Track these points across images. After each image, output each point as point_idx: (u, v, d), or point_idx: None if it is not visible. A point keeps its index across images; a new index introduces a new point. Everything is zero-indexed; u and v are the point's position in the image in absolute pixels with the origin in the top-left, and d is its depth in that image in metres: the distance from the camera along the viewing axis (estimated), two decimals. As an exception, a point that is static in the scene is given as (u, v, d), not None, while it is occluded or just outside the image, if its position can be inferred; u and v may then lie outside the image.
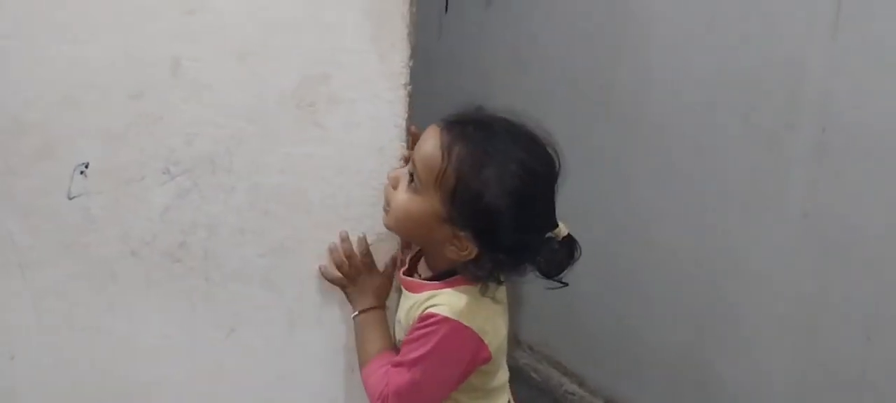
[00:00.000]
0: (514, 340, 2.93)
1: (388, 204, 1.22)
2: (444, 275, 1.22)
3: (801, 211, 1.91)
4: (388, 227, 1.24)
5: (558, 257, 1.18)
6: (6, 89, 1.19)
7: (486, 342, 1.18)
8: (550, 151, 1.16)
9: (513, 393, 1.35)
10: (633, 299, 2.41)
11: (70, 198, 1.24)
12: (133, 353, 1.31)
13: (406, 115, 1.29)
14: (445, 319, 1.16)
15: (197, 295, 1.30)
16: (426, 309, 1.18)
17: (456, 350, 1.17)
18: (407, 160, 1.24)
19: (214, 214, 1.28)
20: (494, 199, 1.11)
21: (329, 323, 1.35)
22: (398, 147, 1.29)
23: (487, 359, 1.20)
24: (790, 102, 1.91)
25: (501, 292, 1.23)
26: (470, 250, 1.15)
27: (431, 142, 1.14)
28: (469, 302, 1.17)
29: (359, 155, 1.29)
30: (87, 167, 1.23)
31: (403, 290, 1.27)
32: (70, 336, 1.28)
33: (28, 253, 1.24)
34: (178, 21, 1.22)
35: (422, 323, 1.17)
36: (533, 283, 1.22)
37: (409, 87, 1.28)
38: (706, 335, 2.21)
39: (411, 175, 1.17)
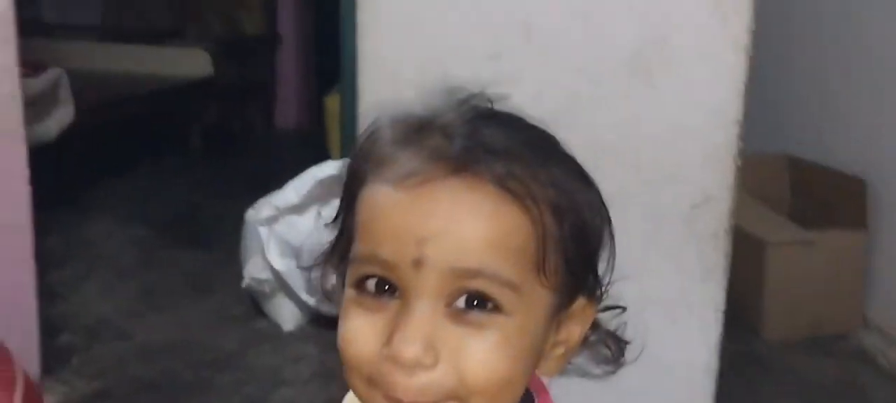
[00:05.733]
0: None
1: (455, 399, 0.61)
2: None
3: None
4: None
5: None
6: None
7: None
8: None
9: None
10: None
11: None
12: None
13: (745, 80, 1.30)
14: None
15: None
16: None
17: None
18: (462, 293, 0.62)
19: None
20: (601, 230, 0.70)
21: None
22: (737, 109, 1.31)
23: None
24: None
25: None
26: (586, 319, 0.70)
27: (499, 220, 0.61)
28: None
29: (693, 116, 1.32)
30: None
31: None
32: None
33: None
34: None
35: None
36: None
37: (751, 52, 1.29)
38: None
39: (480, 302, 0.61)
